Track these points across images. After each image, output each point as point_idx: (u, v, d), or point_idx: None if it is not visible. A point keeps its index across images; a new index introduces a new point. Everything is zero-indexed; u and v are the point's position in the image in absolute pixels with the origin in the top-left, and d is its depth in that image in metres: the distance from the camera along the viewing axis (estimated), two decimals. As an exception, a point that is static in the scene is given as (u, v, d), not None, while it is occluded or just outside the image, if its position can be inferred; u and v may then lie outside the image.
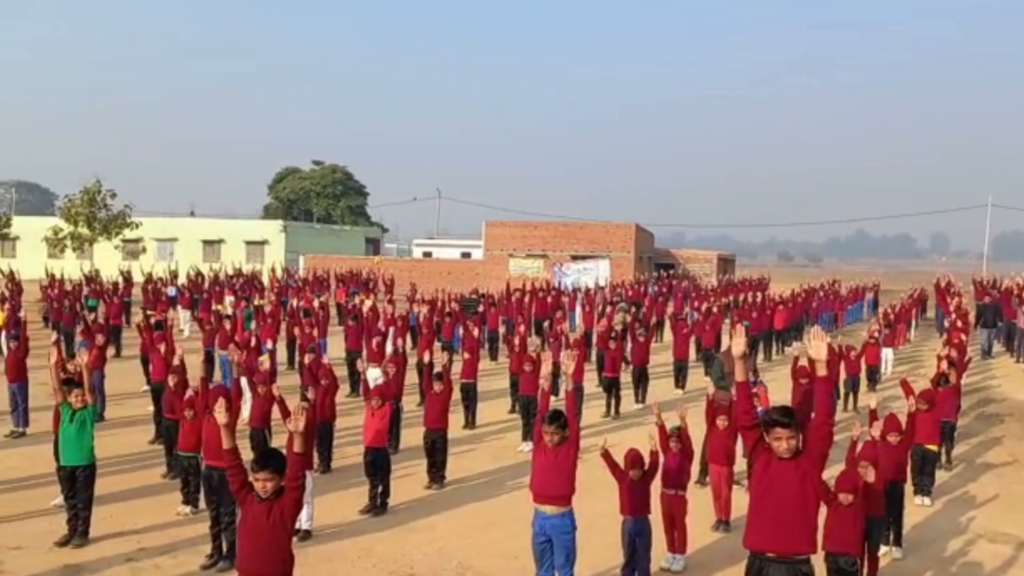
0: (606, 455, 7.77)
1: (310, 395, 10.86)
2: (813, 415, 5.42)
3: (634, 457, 7.83)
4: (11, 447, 12.55)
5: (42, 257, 38.71)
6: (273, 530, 5.30)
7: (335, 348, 19.10)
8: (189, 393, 9.90)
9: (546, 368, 7.41)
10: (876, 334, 18.74)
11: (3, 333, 18.71)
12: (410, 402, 14.89)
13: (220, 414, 5.99)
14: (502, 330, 23.36)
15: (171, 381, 10.55)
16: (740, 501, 9.75)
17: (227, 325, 17.29)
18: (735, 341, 5.47)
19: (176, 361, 11.25)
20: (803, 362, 13.80)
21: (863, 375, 17.06)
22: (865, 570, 7.73)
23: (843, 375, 16.12)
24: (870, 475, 7.54)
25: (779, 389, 14.89)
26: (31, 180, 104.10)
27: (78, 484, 8.52)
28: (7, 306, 20.82)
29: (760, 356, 21.86)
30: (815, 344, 5.23)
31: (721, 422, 9.53)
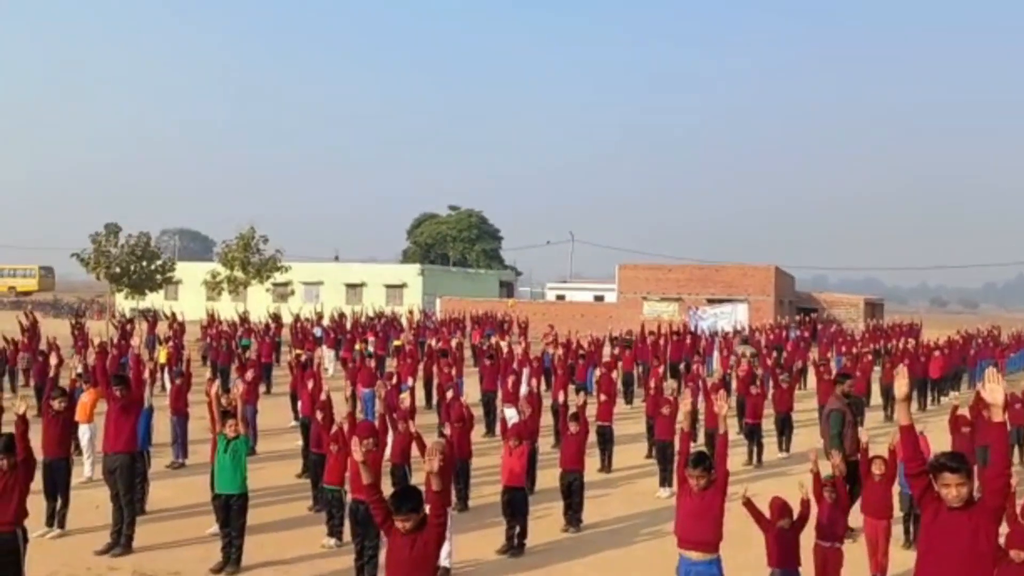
0: (748, 504, 7.48)
1: (446, 431, 11.02)
2: (988, 466, 5.03)
3: (781, 506, 7.50)
4: (171, 477, 13.29)
5: (201, 299, 41.36)
6: (416, 562, 5.38)
7: (471, 389, 19.34)
8: (335, 428, 10.25)
9: (685, 407, 7.22)
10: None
11: (166, 370, 20.02)
12: (545, 444, 14.85)
13: (356, 452, 6.17)
14: (637, 372, 23.07)
15: (318, 416, 10.95)
16: (897, 556, 9.18)
17: (370, 363, 17.84)
18: (898, 383, 5.19)
19: (323, 397, 11.70)
20: (963, 411, 12.95)
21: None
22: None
23: (1008, 427, 14.97)
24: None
25: (936, 441, 13.95)
26: (193, 228, 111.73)
27: (232, 512, 8.94)
28: (170, 344, 22.25)
29: (914, 406, 20.63)
30: (990, 387, 4.88)
31: (877, 469, 9.01)
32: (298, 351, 23.62)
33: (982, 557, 4.80)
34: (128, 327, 26.51)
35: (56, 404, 9.97)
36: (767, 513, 7.51)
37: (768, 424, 16.22)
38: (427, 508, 5.63)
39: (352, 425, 9.07)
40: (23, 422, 7.34)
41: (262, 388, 19.59)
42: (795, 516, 7.51)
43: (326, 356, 26.67)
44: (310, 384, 13.46)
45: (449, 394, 13.07)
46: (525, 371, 18.56)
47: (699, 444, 11.32)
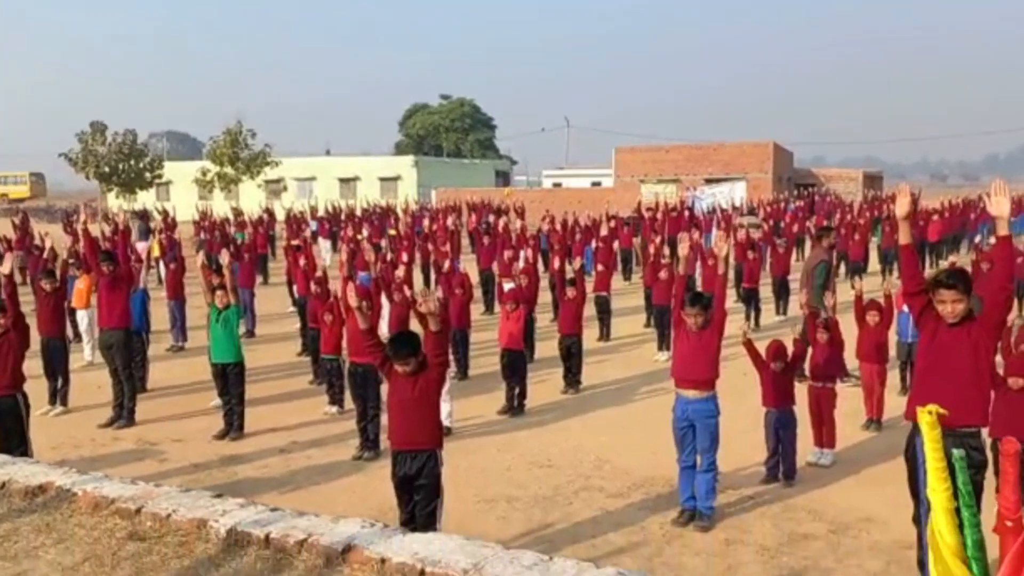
0: (748, 344, 7.50)
1: (439, 294, 11.01)
2: (989, 281, 4.95)
3: (777, 348, 7.53)
4: (172, 359, 13.38)
5: (193, 199, 40.91)
6: (419, 401, 5.39)
7: (469, 271, 19.21)
8: (330, 300, 10.22)
9: (683, 251, 7.10)
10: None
11: (160, 263, 19.91)
12: (544, 319, 14.90)
13: (351, 297, 6.13)
14: (635, 247, 22.97)
15: (313, 289, 10.90)
16: (893, 402, 9.27)
17: (365, 246, 17.70)
18: (899, 201, 5.05)
19: (318, 273, 11.63)
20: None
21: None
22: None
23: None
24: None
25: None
26: (181, 130, 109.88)
27: (230, 381, 9.03)
28: (162, 236, 22.08)
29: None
30: (996, 199, 4.73)
31: (872, 318, 9.01)
32: (294, 242, 23.48)
33: (980, 369, 4.76)
34: (118, 221, 26.23)
35: (45, 285, 9.90)
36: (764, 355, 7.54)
37: (766, 292, 16.24)
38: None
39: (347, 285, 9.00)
40: (10, 283, 7.25)
41: (259, 279, 19.53)
42: (788, 358, 7.53)
43: (321, 246, 26.55)
44: (303, 262, 13.39)
45: (446, 265, 13.01)
46: (523, 252, 18.45)
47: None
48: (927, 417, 3.21)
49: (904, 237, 5.08)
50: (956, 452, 3.45)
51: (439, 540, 3.33)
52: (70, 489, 3.90)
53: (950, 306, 4.72)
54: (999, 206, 4.76)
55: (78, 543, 3.67)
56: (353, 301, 6.13)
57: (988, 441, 5.53)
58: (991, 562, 3.26)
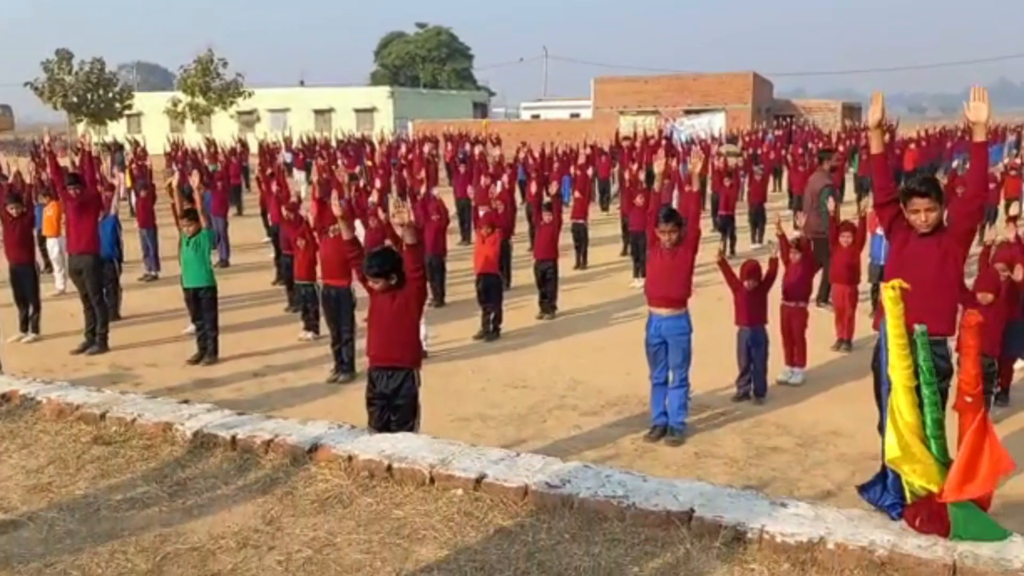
0: (722, 263, 7.53)
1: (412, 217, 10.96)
2: (964, 191, 4.93)
3: (751, 267, 7.56)
4: (145, 288, 13.25)
5: (165, 130, 40.11)
6: (398, 316, 5.32)
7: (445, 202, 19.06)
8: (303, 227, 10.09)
9: (659, 166, 7.04)
10: (1017, 166, 17.38)
11: (131, 192, 19.59)
12: (521, 248, 14.85)
13: (336, 207, 6.08)
14: (613, 176, 22.90)
15: (285, 214, 10.77)
16: (864, 324, 9.37)
17: (339, 175, 17.50)
18: (872, 109, 4.96)
19: (292, 199, 11.48)
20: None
21: (1001, 207, 15.91)
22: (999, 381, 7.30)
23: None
24: (1018, 273, 6.91)
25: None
26: (151, 61, 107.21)
27: (202, 305, 8.96)
28: (133, 166, 21.73)
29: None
30: (975, 105, 4.62)
31: (845, 239, 9.04)
32: (268, 170, 23.10)
33: (949, 279, 4.74)
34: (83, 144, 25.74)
35: (12, 210, 9.71)
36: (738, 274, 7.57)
37: (742, 221, 16.26)
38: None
39: (322, 210, 8.91)
40: None
41: (232, 210, 19.29)
42: (762, 278, 7.56)
43: (296, 178, 26.14)
44: (275, 187, 13.22)
45: (422, 191, 12.90)
46: (500, 183, 18.29)
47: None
48: (891, 292, 3.21)
49: (876, 146, 5.01)
50: (918, 327, 3.45)
51: (406, 439, 3.34)
52: (34, 397, 3.86)
53: (923, 215, 4.67)
54: (976, 111, 4.66)
55: (43, 448, 3.66)
56: (337, 210, 6.08)
57: (956, 356, 5.61)
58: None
